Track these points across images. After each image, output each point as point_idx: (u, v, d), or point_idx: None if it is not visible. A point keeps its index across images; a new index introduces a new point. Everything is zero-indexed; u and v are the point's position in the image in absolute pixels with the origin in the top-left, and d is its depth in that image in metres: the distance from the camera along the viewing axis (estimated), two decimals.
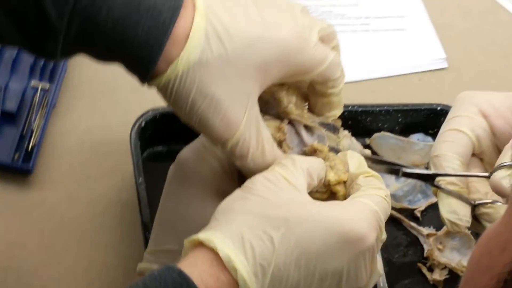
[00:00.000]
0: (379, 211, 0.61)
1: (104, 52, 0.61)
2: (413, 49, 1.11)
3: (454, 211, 0.67)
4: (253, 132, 0.61)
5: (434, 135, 0.94)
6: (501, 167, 0.62)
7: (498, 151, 0.71)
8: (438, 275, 0.85)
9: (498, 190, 0.62)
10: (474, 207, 0.67)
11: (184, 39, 0.59)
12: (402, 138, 0.93)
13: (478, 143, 0.70)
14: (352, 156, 0.66)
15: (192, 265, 0.54)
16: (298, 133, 0.67)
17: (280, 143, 0.65)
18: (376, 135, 0.93)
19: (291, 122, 0.67)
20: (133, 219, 0.84)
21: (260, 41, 0.60)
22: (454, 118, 0.71)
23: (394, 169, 0.69)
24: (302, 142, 0.66)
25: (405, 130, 0.96)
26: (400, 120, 0.96)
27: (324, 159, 0.65)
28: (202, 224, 0.58)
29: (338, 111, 0.70)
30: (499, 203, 0.67)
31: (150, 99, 0.93)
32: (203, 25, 0.59)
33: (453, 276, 0.86)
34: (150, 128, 0.87)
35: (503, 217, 0.40)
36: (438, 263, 0.85)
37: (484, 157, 0.71)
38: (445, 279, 0.85)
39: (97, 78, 0.96)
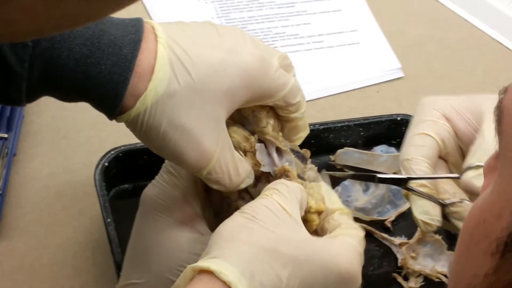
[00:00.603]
0: (362, 253, 0.63)
1: (69, 92, 0.61)
2: (368, 61, 1.14)
3: (426, 212, 0.70)
4: (228, 156, 0.63)
5: (397, 145, 0.95)
6: (470, 168, 0.65)
7: (462, 152, 0.74)
8: (413, 283, 0.86)
9: (470, 189, 0.66)
10: (444, 206, 0.71)
11: (149, 71, 0.60)
12: (365, 151, 0.95)
13: (443, 145, 0.72)
14: (326, 188, 0.69)
15: None
16: (269, 154, 0.68)
17: (245, 153, 0.67)
18: (339, 151, 0.95)
19: (263, 142, 0.69)
20: (105, 260, 0.84)
21: (225, 66, 0.62)
22: (420, 123, 0.73)
23: (370, 176, 0.72)
24: (272, 162, 0.68)
25: (368, 143, 0.98)
26: (362, 134, 0.98)
27: (302, 184, 0.67)
28: (161, 255, 0.59)
29: (304, 133, 0.72)
30: (467, 202, 0.70)
31: (112, 138, 0.95)
32: (166, 56, 0.60)
33: (428, 283, 0.87)
34: (114, 167, 0.87)
35: (492, 188, 0.40)
36: (412, 271, 0.87)
37: (448, 158, 0.74)
38: (421, 286, 0.87)
39: (56, 122, 0.97)
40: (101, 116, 0.96)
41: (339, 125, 0.97)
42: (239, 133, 0.67)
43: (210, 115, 0.61)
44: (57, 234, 0.87)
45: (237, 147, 0.66)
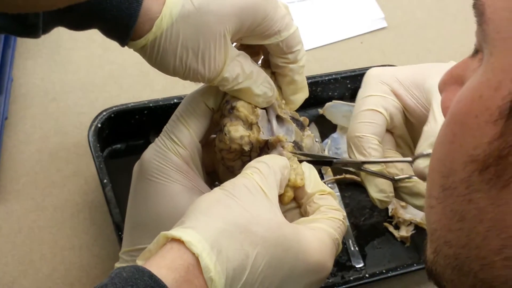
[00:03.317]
0: (338, 237, 0.65)
1: (82, 17, 0.63)
2: (351, 12, 1.16)
3: (381, 190, 0.72)
4: (236, 65, 0.66)
5: None
6: (422, 155, 0.67)
7: (410, 125, 0.76)
8: (404, 232, 0.90)
9: (421, 177, 0.68)
10: (394, 181, 0.73)
11: None
12: (353, 104, 0.96)
13: (391, 121, 0.74)
14: (310, 168, 0.70)
15: (167, 267, 0.54)
16: (269, 121, 0.71)
17: (250, 126, 0.69)
18: (328, 104, 0.97)
19: (265, 109, 0.71)
20: (103, 220, 0.87)
21: None
22: (369, 98, 0.75)
23: (326, 161, 0.73)
24: (271, 130, 0.70)
25: (355, 95, 0.99)
26: (349, 86, 1.00)
27: (289, 158, 0.68)
28: (173, 220, 0.60)
29: (303, 94, 0.74)
30: (415, 177, 0.72)
31: (100, 99, 0.98)
32: None
33: (419, 231, 0.91)
34: (107, 128, 0.89)
35: (484, 68, 0.43)
36: (403, 220, 0.90)
37: (395, 131, 0.76)
38: (412, 235, 0.91)
39: (44, 84, 0.98)
40: (89, 77, 1.00)
41: (326, 78, 0.99)
42: (246, 107, 0.69)
43: (220, 33, 0.64)
44: (54, 196, 0.89)
45: (244, 121, 0.69)
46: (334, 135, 0.98)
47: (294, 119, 0.73)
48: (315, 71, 1.02)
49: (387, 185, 0.73)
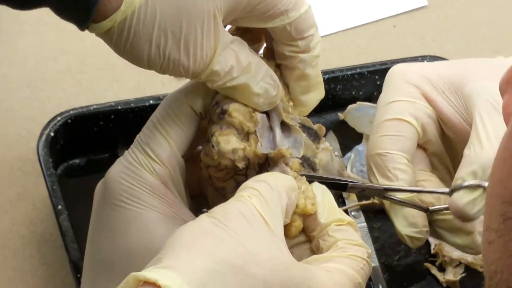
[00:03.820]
0: (362, 281, 0.64)
1: None
2: None
3: (412, 224, 0.72)
4: (230, 54, 0.66)
5: None
6: (462, 187, 0.66)
7: (448, 139, 0.75)
8: (452, 275, 0.88)
9: (460, 216, 0.67)
10: (427, 213, 0.72)
11: None
12: None
13: (423, 133, 0.74)
14: (321, 190, 0.69)
15: None
16: (271, 129, 0.69)
17: (247, 136, 0.68)
18: (351, 107, 0.96)
19: (266, 112, 0.70)
20: (56, 258, 0.86)
21: None
22: (393, 104, 0.74)
23: (338, 184, 0.71)
24: (272, 141, 0.69)
25: None
26: (378, 83, 0.98)
27: (295, 178, 0.67)
28: (147, 258, 0.59)
29: (318, 94, 0.73)
30: None
31: (54, 100, 0.97)
32: None
33: (471, 273, 0.89)
34: (62, 138, 0.89)
35: None
36: (450, 260, 0.89)
37: (428, 147, 0.76)
38: (461, 279, 0.89)
39: None
40: (39, 71, 0.98)
41: (348, 72, 0.98)
42: (242, 111, 0.68)
43: (209, 13, 0.64)
44: None
45: (239, 130, 0.68)
46: (359, 147, 0.97)
47: (305, 127, 0.72)
48: (334, 63, 1.01)
49: (419, 217, 0.72)
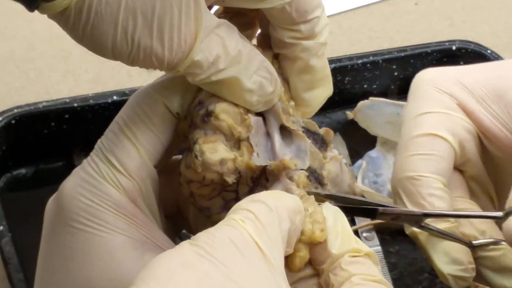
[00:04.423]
0: None
1: None
2: None
3: (455, 261, 0.72)
4: (215, 41, 0.66)
5: None
6: None
7: (490, 159, 0.77)
8: None
9: None
10: (470, 247, 0.72)
11: None
12: (402, 103, 0.97)
13: (461, 151, 0.75)
14: (334, 213, 0.68)
15: None
16: (268, 135, 0.70)
17: (238, 143, 0.68)
18: (362, 104, 0.98)
19: (261, 115, 0.70)
20: None
21: None
22: (424, 116, 0.76)
23: (364, 210, 0.72)
24: (271, 150, 0.69)
25: (407, 89, 0.97)
26: (396, 74, 1.01)
27: (301, 197, 0.67)
28: None
29: (325, 90, 0.73)
30: (504, 243, 0.71)
31: None
32: None
33: None
34: (4, 142, 0.90)
35: None
36: None
37: (467, 169, 0.77)
38: None
39: None
40: None
41: (359, 61, 0.99)
42: (231, 113, 0.68)
43: None
44: None
45: (228, 135, 0.68)
46: (372, 153, 0.98)
47: (310, 132, 0.72)
48: (342, 49, 1.03)
49: (463, 252, 0.72)
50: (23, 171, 0.94)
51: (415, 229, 0.72)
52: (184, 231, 0.75)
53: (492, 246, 0.72)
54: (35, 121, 0.92)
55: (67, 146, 0.94)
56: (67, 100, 0.92)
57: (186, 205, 0.73)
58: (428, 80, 0.77)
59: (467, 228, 0.72)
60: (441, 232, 0.72)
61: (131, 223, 0.68)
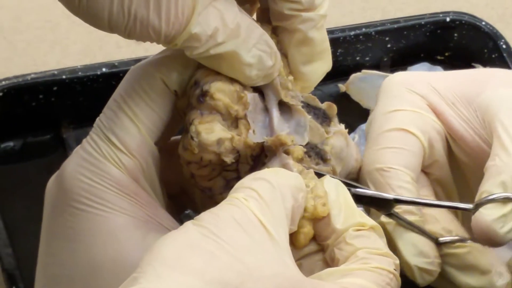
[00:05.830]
0: None
1: None
2: None
3: (422, 253, 0.73)
4: (213, 13, 0.66)
5: (445, 63, 1.00)
6: (490, 200, 0.67)
7: (456, 163, 0.77)
8: None
9: (486, 237, 0.68)
10: (436, 244, 0.73)
11: None
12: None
13: (430, 151, 0.76)
14: (335, 186, 0.69)
15: None
16: (267, 111, 0.70)
17: (235, 122, 0.68)
18: (354, 76, 0.98)
19: (258, 91, 0.70)
20: None
21: None
22: (395, 113, 0.76)
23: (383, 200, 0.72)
24: (269, 126, 0.69)
25: (400, 61, 1.01)
26: (389, 46, 1.01)
27: (300, 172, 0.67)
28: (116, 273, 0.60)
29: (324, 64, 0.73)
30: (469, 242, 0.72)
31: None
32: None
33: None
34: None
35: None
36: None
37: (432, 171, 0.77)
38: None
39: None
40: None
41: (351, 33, 0.99)
42: (227, 92, 0.68)
43: None
44: None
45: (224, 115, 0.68)
46: (365, 126, 0.95)
47: (310, 107, 0.72)
48: (333, 21, 1.03)
49: (430, 246, 0.73)
50: (10, 144, 0.94)
51: (383, 219, 0.73)
52: (188, 211, 0.76)
53: (458, 244, 0.73)
54: (23, 93, 0.92)
55: (56, 119, 0.93)
56: (56, 72, 0.92)
57: (190, 186, 0.72)
58: (400, 82, 0.78)
59: (434, 225, 0.73)
60: (409, 223, 0.72)
61: (134, 202, 0.68)
